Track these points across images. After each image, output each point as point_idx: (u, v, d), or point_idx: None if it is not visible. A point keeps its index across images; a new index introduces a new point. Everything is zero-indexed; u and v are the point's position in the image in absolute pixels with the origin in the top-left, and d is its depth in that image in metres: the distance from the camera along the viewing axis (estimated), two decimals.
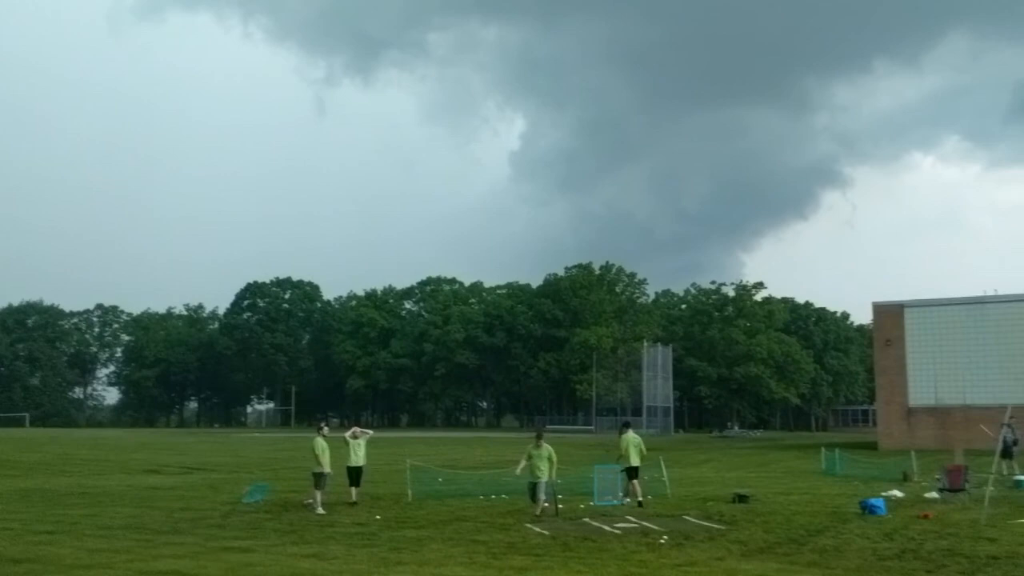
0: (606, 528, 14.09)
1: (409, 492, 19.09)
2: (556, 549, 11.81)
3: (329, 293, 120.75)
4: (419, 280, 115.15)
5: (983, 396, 42.08)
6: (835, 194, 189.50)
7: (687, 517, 15.62)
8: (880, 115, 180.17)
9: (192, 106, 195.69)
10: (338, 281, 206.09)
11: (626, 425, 20.73)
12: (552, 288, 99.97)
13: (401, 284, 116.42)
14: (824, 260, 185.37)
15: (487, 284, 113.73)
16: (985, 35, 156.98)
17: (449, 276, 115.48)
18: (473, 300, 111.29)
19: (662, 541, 12.62)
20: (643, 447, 18.71)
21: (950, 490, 18.63)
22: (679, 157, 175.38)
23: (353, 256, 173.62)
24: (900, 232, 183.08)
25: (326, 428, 18.99)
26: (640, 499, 17.64)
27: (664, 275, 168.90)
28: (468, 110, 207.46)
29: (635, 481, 17.99)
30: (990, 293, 47.16)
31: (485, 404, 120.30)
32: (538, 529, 13.92)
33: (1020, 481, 22.40)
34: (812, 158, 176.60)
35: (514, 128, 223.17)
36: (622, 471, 18.34)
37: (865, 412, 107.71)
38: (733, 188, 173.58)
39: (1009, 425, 28.16)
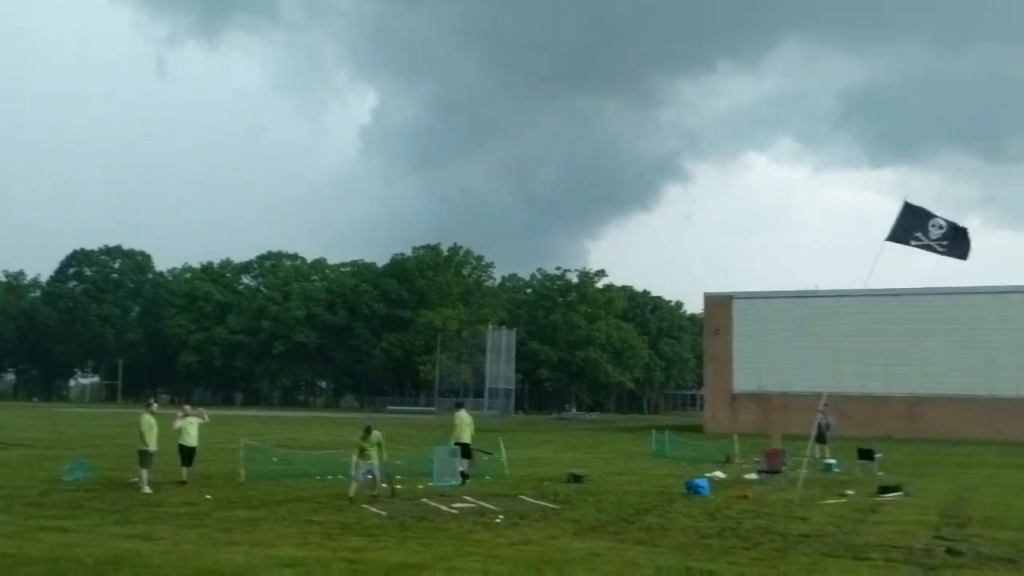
0: (443, 508, 14.14)
1: (242, 472, 18.51)
2: (393, 529, 11.75)
3: (162, 264, 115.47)
4: (259, 254, 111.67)
5: (801, 384, 44.88)
6: (677, 188, 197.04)
7: (523, 497, 15.88)
8: (721, 114, 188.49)
9: (15, 62, 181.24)
10: (172, 252, 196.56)
11: (459, 405, 21.18)
12: (398, 268, 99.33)
13: (240, 258, 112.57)
14: (663, 251, 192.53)
15: (331, 261, 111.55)
16: (819, 43, 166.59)
17: (291, 251, 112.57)
18: (315, 277, 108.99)
19: (498, 520, 12.79)
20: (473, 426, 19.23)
21: (768, 472, 19.80)
22: (532, 143, 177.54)
23: (190, 226, 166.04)
24: (734, 227, 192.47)
25: (155, 404, 18.16)
26: (467, 474, 18.12)
27: (512, 259, 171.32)
28: (319, 80, 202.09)
29: (466, 460, 18.44)
30: (812, 288, 50.38)
31: (324, 384, 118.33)
32: (375, 510, 13.80)
33: (830, 465, 24.01)
34: (658, 152, 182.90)
35: (366, 102, 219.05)
36: (454, 446, 18.72)
37: (694, 397, 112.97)
38: (582, 176, 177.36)
39: (823, 412, 30.21)
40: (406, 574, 8.44)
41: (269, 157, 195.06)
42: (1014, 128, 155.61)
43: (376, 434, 15.97)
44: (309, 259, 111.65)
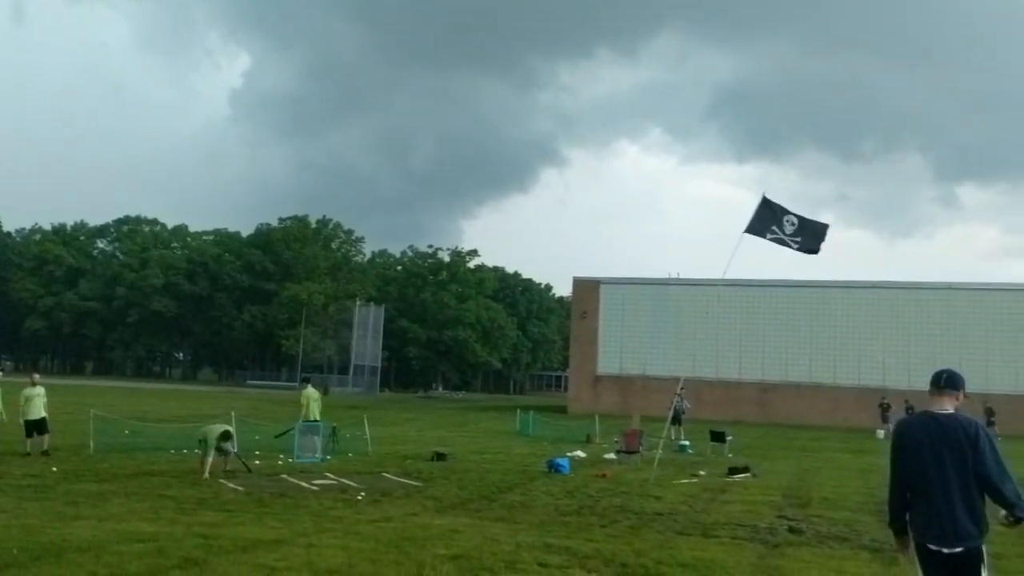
0: (303, 485, 13.91)
1: (91, 444, 17.69)
2: (250, 505, 11.48)
3: (9, 223, 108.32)
4: (116, 218, 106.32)
5: (661, 368, 46.44)
6: (553, 172, 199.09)
7: (386, 474, 15.81)
8: (597, 101, 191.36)
9: None
10: (21, 211, 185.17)
11: (305, 380, 21.19)
12: (264, 239, 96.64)
13: (95, 221, 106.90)
14: (537, 234, 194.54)
15: (193, 229, 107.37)
16: (694, 36, 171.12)
17: (150, 216, 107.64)
18: (176, 245, 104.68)
19: (359, 497, 12.68)
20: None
21: (626, 452, 20.39)
22: (409, 116, 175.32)
23: (42, 185, 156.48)
24: (605, 213, 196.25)
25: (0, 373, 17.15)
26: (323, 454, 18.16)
27: (385, 233, 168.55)
28: (189, 40, 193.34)
29: (316, 437, 18.40)
30: (673, 276, 52.07)
31: (182, 355, 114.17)
32: (232, 485, 13.45)
33: (684, 446, 24.99)
34: (535, 134, 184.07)
35: (238, 65, 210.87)
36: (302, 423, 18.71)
37: (559, 378, 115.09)
38: (459, 154, 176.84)
39: (680, 395, 31.32)
40: (263, 550, 8.25)
41: (132, 117, 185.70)
42: (869, 131, 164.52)
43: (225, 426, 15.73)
44: (170, 225, 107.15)
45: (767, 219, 15.77)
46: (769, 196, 15.96)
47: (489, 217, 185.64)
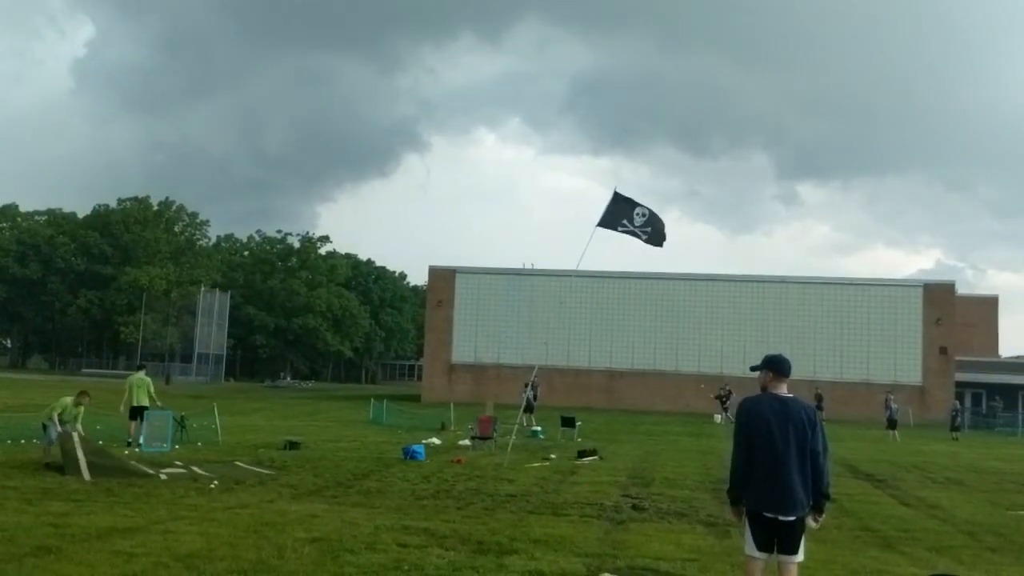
0: (152, 473, 13.59)
1: None
2: (99, 495, 11.16)
3: None
4: None
5: (514, 357, 47.33)
6: (414, 157, 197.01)
7: (238, 463, 15.62)
8: (458, 87, 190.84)
9: None
10: None
11: (140, 367, 20.92)
12: (102, 220, 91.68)
13: None
14: (394, 221, 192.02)
15: (23, 208, 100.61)
16: (555, 25, 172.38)
17: None
18: (4, 225, 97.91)
19: (212, 486, 12.53)
20: (151, 388, 18.96)
21: (480, 438, 20.83)
22: (265, 96, 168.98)
23: None
24: (462, 202, 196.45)
25: None
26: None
27: (238, 218, 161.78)
28: (29, 4, 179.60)
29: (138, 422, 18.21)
30: (527, 267, 53.09)
31: (10, 343, 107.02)
32: (82, 473, 12.99)
33: (536, 431, 25.75)
34: (397, 118, 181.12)
35: (82, 33, 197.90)
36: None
37: (412, 367, 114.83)
38: (319, 137, 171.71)
39: (534, 383, 32.14)
40: (118, 537, 8.12)
41: None
42: (718, 129, 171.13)
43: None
44: None
45: (618, 213, 16.52)
46: (619, 190, 16.74)
47: (346, 202, 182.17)
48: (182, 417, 19.42)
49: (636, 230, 16.44)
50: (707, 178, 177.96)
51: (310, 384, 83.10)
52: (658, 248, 16.27)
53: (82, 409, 15.32)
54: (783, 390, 5.75)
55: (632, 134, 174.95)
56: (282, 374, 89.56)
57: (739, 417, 5.77)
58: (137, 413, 18.31)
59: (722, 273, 49.00)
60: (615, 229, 16.55)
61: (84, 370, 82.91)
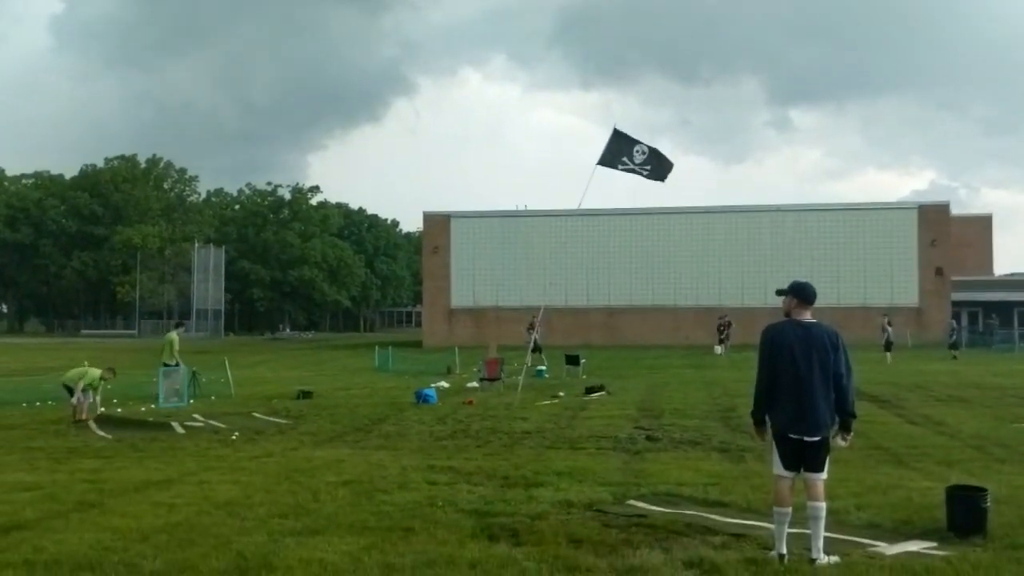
0: (171, 426, 13.84)
1: None
2: (125, 451, 11.39)
3: None
4: None
5: (512, 299, 47.57)
6: (403, 101, 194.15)
7: (255, 415, 15.86)
8: (443, 24, 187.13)
9: None
10: None
11: (179, 324, 21.34)
12: (91, 181, 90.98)
13: None
14: (385, 167, 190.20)
15: (9, 172, 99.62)
16: None
17: None
18: None
19: (234, 437, 12.77)
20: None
21: (488, 380, 21.13)
22: (252, 45, 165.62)
23: None
24: (452, 145, 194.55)
25: None
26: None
27: (228, 170, 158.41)
28: None
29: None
30: (521, 208, 53.03)
31: (5, 308, 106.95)
32: (101, 432, 13.24)
33: (541, 371, 26.05)
34: (383, 61, 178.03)
35: None
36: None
37: (409, 314, 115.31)
38: (306, 85, 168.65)
39: (535, 323, 32.32)
40: (155, 490, 8.35)
41: None
42: (708, 55, 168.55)
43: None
44: None
45: (617, 151, 16.53)
46: (619, 128, 16.72)
47: (336, 151, 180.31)
48: (194, 372, 19.63)
49: (636, 168, 16.47)
50: (698, 106, 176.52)
51: (310, 335, 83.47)
52: (660, 182, 16.32)
53: (105, 383, 15.55)
54: (807, 316, 5.92)
55: (622, 64, 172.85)
56: (280, 326, 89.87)
57: (763, 343, 5.95)
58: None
59: (717, 205, 49.04)
60: (615, 167, 16.58)
61: (83, 331, 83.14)
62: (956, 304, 46.09)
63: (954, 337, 35.48)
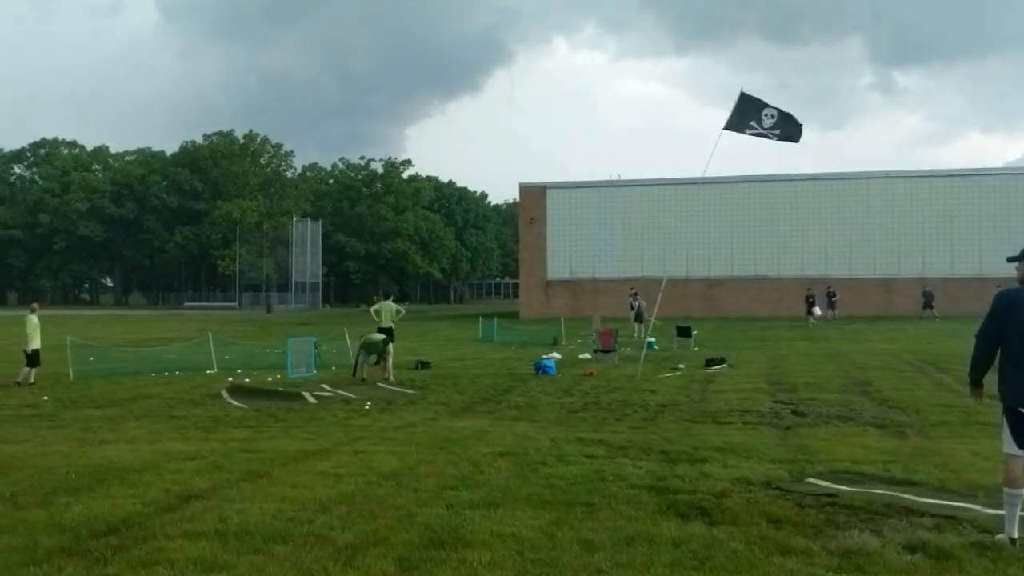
0: (305, 397, 13.95)
1: (70, 371, 17.36)
2: (267, 420, 11.47)
3: None
4: (31, 142, 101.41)
5: (609, 270, 47.09)
6: (500, 70, 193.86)
7: (381, 384, 15.91)
8: None
9: None
10: None
11: (387, 295, 22.75)
12: (190, 157, 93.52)
13: (9, 146, 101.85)
14: (475, 139, 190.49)
15: (113, 149, 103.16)
16: None
17: (68, 138, 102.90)
18: (97, 167, 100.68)
19: (367, 407, 12.78)
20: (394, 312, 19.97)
21: (603, 351, 20.82)
22: (353, 14, 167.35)
23: None
24: (545, 114, 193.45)
25: None
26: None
27: (328, 143, 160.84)
28: None
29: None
30: (615, 178, 52.31)
31: (111, 281, 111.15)
32: (234, 402, 13.42)
33: (651, 342, 25.55)
34: (479, 27, 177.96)
35: None
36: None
37: (498, 285, 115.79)
38: (404, 56, 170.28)
39: (635, 294, 31.90)
40: (315, 460, 8.32)
41: (50, 29, 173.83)
42: (809, 11, 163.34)
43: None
44: (89, 147, 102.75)
45: (744, 115, 15.90)
46: (746, 91, 16.07)
47: (433, 122, 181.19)
48: (315, 342, 19.85)
49: (765, 132, 15.81)
50: (795, 69, 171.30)
51: (405, 306, 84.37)
52: (793, 143, 15.64)
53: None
54: None
55: (718, 24, 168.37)
56: (375, 297, 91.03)
57: (996, 308, 5.55)
58: (386, 332, 18.42)
59: (823, 172, 47.44)
60: (742, 132, 15.96)
61: (186, 304, 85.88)
62: None
63: None
